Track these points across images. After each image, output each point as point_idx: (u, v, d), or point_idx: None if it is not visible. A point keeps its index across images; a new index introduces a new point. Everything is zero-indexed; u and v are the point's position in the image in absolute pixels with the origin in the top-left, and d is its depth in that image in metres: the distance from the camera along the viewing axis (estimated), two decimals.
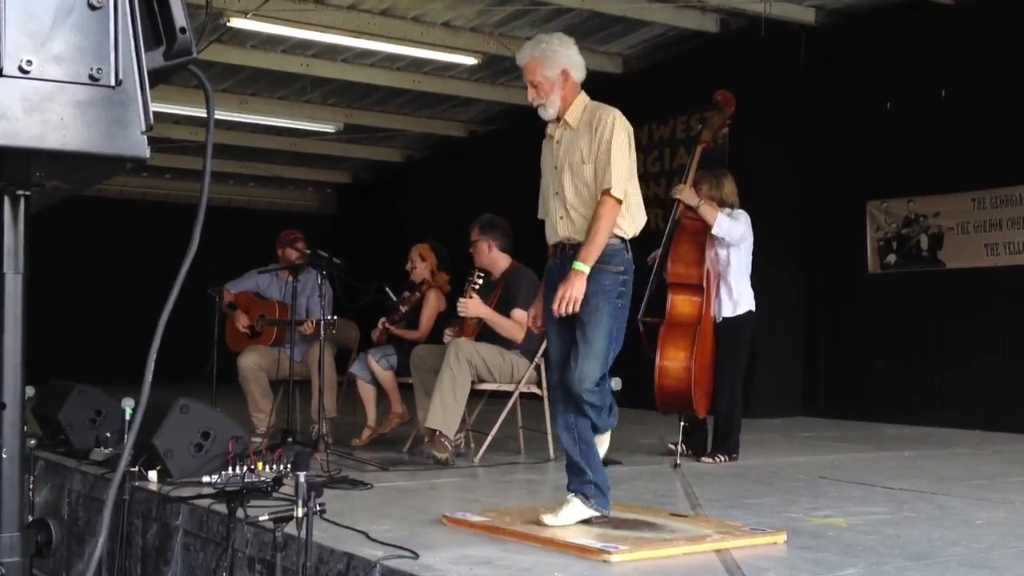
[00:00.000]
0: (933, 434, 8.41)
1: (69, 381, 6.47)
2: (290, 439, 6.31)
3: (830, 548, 3.73)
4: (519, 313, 6.24)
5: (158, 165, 15.13)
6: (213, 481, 4.90)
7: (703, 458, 6.38)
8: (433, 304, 7.11)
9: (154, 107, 1.51)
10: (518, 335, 6.28)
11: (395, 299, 7.22)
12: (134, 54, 1.49)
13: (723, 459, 6.35)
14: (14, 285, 1.60)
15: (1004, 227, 8.69)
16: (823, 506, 4.75)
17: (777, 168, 10.08)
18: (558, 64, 4.12)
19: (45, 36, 1.43)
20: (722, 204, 6.45)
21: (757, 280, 6.64)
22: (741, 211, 6.49)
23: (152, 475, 4.97)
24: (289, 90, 12.64)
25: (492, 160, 13.49)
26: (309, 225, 10.61)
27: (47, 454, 6.08)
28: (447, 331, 6.53)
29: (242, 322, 7.48)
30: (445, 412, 5.92)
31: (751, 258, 6.54)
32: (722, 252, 6.42)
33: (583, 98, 4.18)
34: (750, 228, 6.46)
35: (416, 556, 3.41)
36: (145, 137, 1.49)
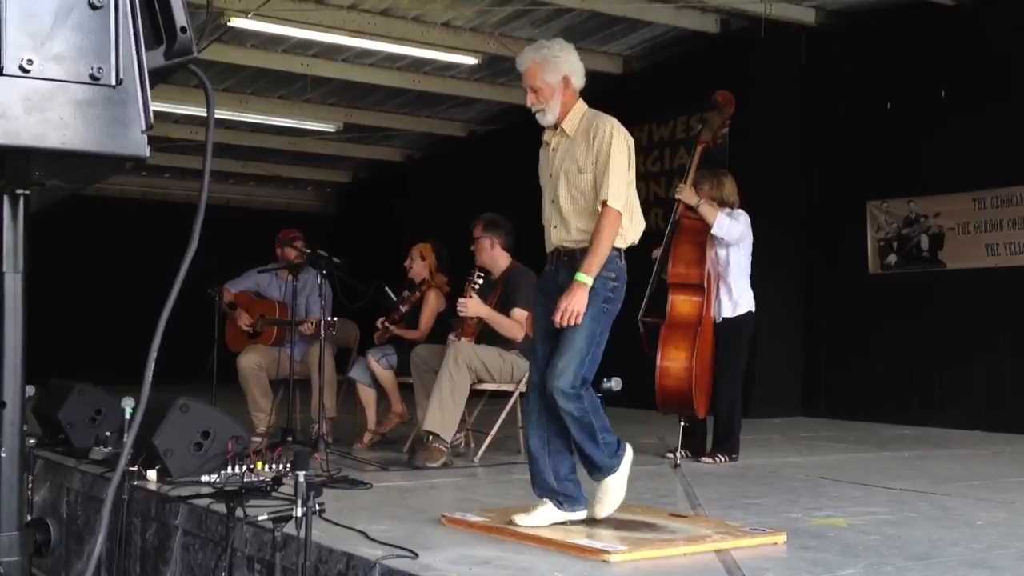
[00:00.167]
0: (933, 434, 8.41)
1: (69, 380, 6.47)
2: (290, 439, 6.30)
3: (830, 548, 3.73)
4: (519, 312, 6.24)
5: (158, 164, 15.12)
6: (212, 480, 4.90)
7: (703, 458, 6.38)
8: (433, 304, 7.11)
9: (154, 106, 1.51)
10: (518, 334, 6.29)
11: (395, 299, 7.21)
12: (135, 53, 1.49)
13: (723, 459, 6.35)
14: (14, 284, 1.60)
15: (1005, 227, 8.69)
16: (823, 506, 4.75)
17: (777, 168, 10.08)
18: (560, 70, 4.10)
19: (46, 35, 1.43)
20: (723, 204, 6.45)
21: (757, 280, 6.64)
22: (741, 211, 6.49)
23: (151, 474, 4.96)
24: (289, 90, 12.64)
25: (492, 160, 13.49)
26: (309, 224, 10.60)
27: (47, 453, 6.07)
28: (451, 336, 6.50)
29: (243, 321, 7.48)
30: (443, 415, 5.92)
31: (751, 258, 6.53)
32: (722, 252, 6.42)
33: (581, 106, 4.16)
34: (749, 228, 6.46)
35: (415, 556, 3.41)
36: (145, 136, 1.49)
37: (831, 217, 10.09)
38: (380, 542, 3.58)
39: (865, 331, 9.80)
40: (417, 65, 11.63)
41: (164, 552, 4.60)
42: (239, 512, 3.95)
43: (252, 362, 7.18)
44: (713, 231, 6.27)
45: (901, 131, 9.40)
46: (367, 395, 6.96)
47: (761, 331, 7.49)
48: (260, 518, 3.61)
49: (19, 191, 1.59)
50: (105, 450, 5.65)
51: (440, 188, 14.70)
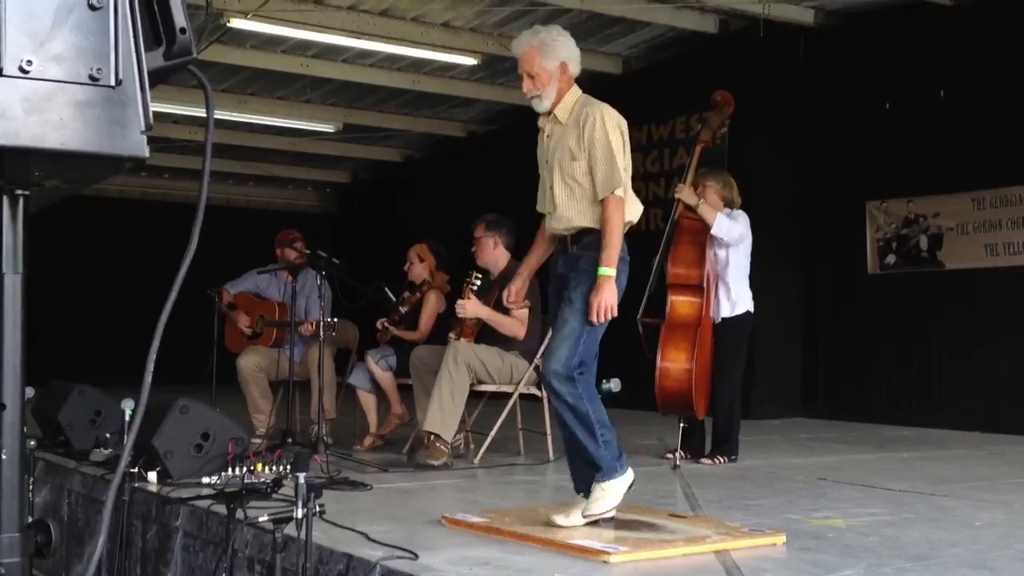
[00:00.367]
0: (932, 435, 8.41)
1: (69, 382, 6.47)
2: (289, 440, 6.30)
3: (829, 549, 3.73)
4: (518, 310, 6.23)
5: (157, 165, 15.12)
6: (213, 482, 4.89)
7: (702, 459, 6.38)
8: (433, 305, 7.11)
9: (154, 107, 1.51)
10: (519, 331, 6.28)
11: (394, 300, 7.21)
12: (134, 54, 1.49)
13: (722, 460, 6.34)
14: (13, 285, 1.60)
15: (1004, 227, 8.69)
16: (822, 507, 4.75)
17: (776, 168, 10.08)
18: (557, 55, 4.09)
19: (45, 36, 1.43)
20: (730, 204, 6.46)
21: (756, 281, 6.64)
22: (740, 211, 6.49)
23: (152, 476, 4.96)
24: (289, 90, 12.64)
25: (491, 160, 13.49)
26: (308, 225, 10.62)
27: (47, 455, 6.07)
28: (451, 335, 6.50)
29: (242, 323, 7.48)
30: (443, 415, 5.91)
31: (750, 259, 6.53)
32: (721, 253, 6.42)
33: (575, 92, 4.15)
34: (749, 229, 6.45)
35: (416, 557, 3.41)
36: (144, 137, 1.49)
37: (830, 217, 10.09)
38: (380, 543, 3.58)
39: (864, 331, 9.80)
40: (417, 65, 11.63)
41: (165, 554, 4.60)
42: (239, 514, 3.95)
43: (252, 363, 7.18)
44: (712, 232, 6.27)
45: (900, 131, 9.40)
46: (367, 400, 6.95)
47: (760, 331, 7.49)
48: (260, 519, 3.61)
49: (18, 191, 1.59)
50: (105, 452, 5.64)
51: (440, 188, 14.70)
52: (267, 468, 5.20)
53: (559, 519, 3.93)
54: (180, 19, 1.57)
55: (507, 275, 6.46)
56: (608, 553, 3.47)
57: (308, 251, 6.88)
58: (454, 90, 12.36)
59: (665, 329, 6.25)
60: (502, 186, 11.40)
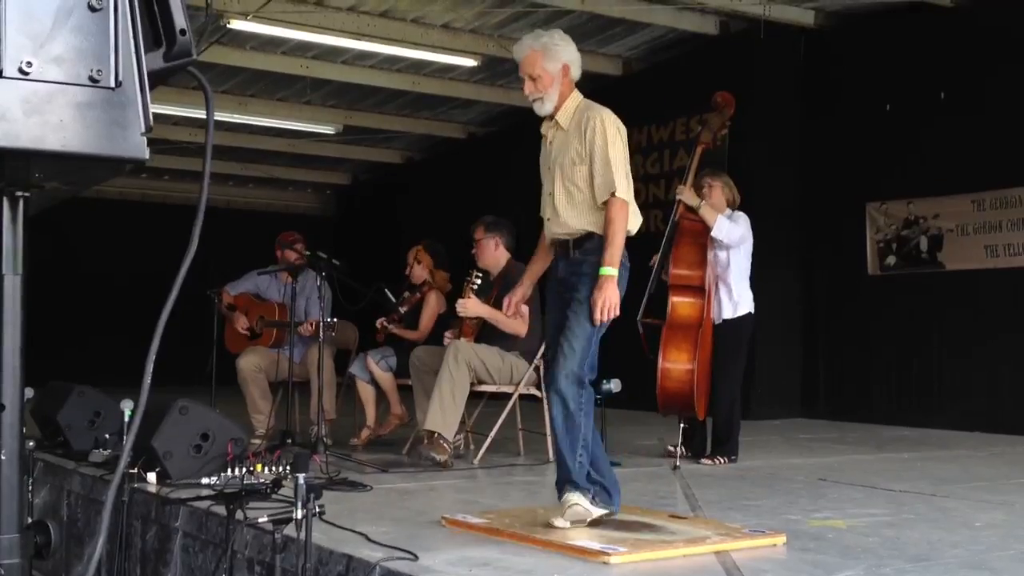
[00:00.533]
0: (933, 436, 8.40)
1: (68, 382, 6.47)
2: (289, 441, 6.30)
3: (829, 550, 3.73)
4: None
5: (157, 167, 15.13)
6: (212, 483, 4.89)
7: (702, 460, 6.38)
8: (433, 305, 7.12)
9: (154, 108, 1.51)
10: (521, 329, 6.27)
11: (394, 300, 7.22)
12: (134, 56, 1.49)
13: (722, 461, 6.34)
14: (13, 286, 1.60)
15: (1004, 229, 8.69)
16: (822, 508, 4.75)
17: (776, 170, 10.08)
18: (559, 58, 4.11)
19: (45, 38, 1.43)
20: (733, 205, 6.47)
21: (756, 282, 6.64)
22: (741, 213, 6.49)
23: (151, 477, 4.96)
24: (289, 92, 12.64)
25: (491, 161, 13.50)
26: (308, 226, 10.61)
27: (46, 455, 6.07)
28: (447, 334, 6.52)
29: (242, 323, 7.48)
30: (444, 414, 5.91)
31: (751, 260, 6.53)
32: (722, 254, 6.42)
33: (576, 97, 4.17)
34: (750, 230, 6.45)
35: (415, 558, 3.41)
36: (144, 138, 1.49)
37: (830, 218, 10.10)
38: (380, 544, 3.58)
39: (864, 332, 9.80)
40: (417, 67, 11.63)
41: (164, 554, 4.60)
42: (239, 514, 3.95)
43: (251, 364, 7.18)
44: (713, 234, 6.27)
45: (900, 132, 9.41)
46: (366, 391, 6.96)
47: (760, 332, 7.49)
48: (260, 520, 3.61)
49: (18, 193, 1.60)
50: (105, 452, 5.64)
51: (440, 190, 14.70)
52: (267, 469, 5.21)
53: (558, 521, 3.93)
54: (180, 20, 1.57)
55: (507, 274, 6.47)
56: (608, 554, 3.47)
57: (308, 252, 6.88)
58: (454, 91, 12.36)
59: (666, 330, 6.25)
60: (502, 187, 11.43)
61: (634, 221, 4.09)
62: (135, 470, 4.94)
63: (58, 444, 6.20)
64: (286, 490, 3.91)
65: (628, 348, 5.79)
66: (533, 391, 6.44)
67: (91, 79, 1.46)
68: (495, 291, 6.47)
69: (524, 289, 4.54)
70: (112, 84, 1.47)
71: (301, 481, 3.24)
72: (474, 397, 6.32)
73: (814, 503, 4.90)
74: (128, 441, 1.71)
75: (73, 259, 14.54)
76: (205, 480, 4.95)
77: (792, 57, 10.26)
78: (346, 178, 17.67)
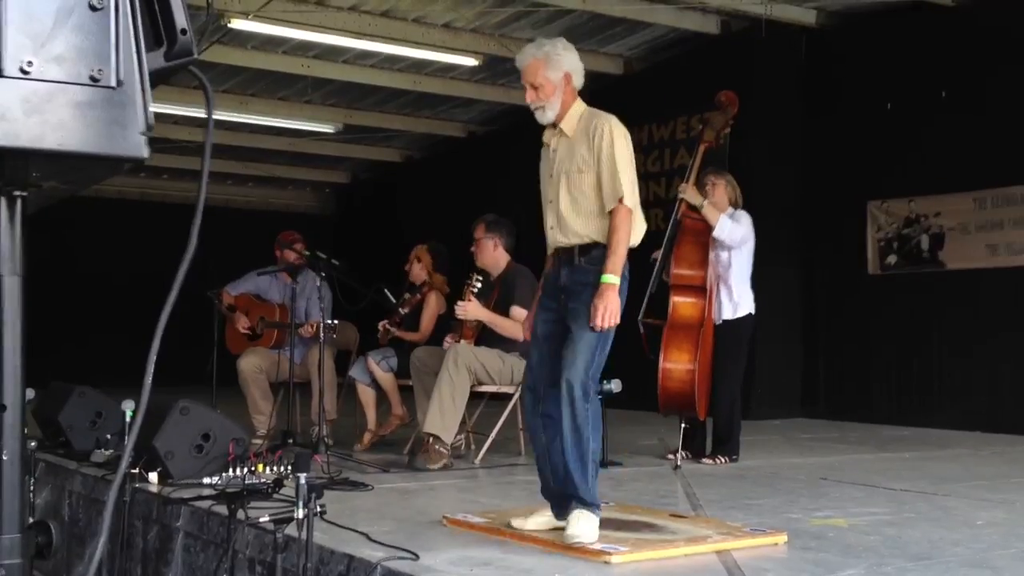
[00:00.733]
0: (933, 435, 8.40)
1: (69, 383, 6.47)
2: (290, 441, 6.30)
3: (831, 549, 3.73)
4: (518, 311, 6.23)
5: (157, 166, 15.12)
6: (213, 483, 4.89)
7: (703, 459, 6.37)
8: (433, 306, 7.11)
9: (154, 107, 1.51)
10: (519, 333, 6.26)
11: (394, 301, 7.21)
12: (135, 55, 1.49)
13: (723, 460, 6.34)
14: (12, 287, 1.60)
15: (1005, 227, 8.69)
16: (823, 507, 4.75)
17: (777, 169, 10.08)
18: (561, 67, 4.08)
19: (46, 37, 1.43)
20: (735, 204, 6.47)
21: (757, 280, 6.63)
22: (743, 212, 6.48)
23: (153, 477, 4.96)
24: (289, 91, 12.64)
25: (491, 161, 13.49)
26: (308, 226, 10.62)
27: (47, 456, 6.07)
28: (447, 339, 6.50)
29: (242, 324, 7.48)
30: (443, 417, 5.91)
31: (752, 260, 6.52)
32: (723, 254, 6.41)
33: (580, 105, 4.13)
34: (752, 230, 6.45)
35: (416, 557, 3.41)
36: (144, 138, 1.49)
37: (831, 217, 10.09)
38: (381, 543, 3.58)
39: (865, 331, 9.80)
40: (417, 66, 11.63)
41: (166, 554, 4.60)
42: (240, 514, 3.95)
43: (252, 364, 7.18)
44: (715, 234, 6.26)
45: (901, 131, 9.40)
46: (367, 395, 6.96)
47: (760, 332, 7.48)
48: (261, 520, 3.61)
49: (17, 193, 1.59)
50: (106, 452, 5.65)
51: (440, 189, 14.70)
52: (268, 469, 5.20)
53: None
54: (181, 20, 1.57)
55: (507, 277, 6.47)
56: (609, 553, 3.47)
57: (308, 252, 6.88)
58: (455, 91, 12.36)
59: (667, 330, 6.24)
60: (502, 186, 11.41)
61: (638, 232, 4.03)
62: (136, 470, 4.95)
63: (59, 444, 6.20)
64: (287, 490, 3.91)
65: (629, 348, 5.78)
66: None
67: (92, 78, 1.45)
68: (496, 293, 6.47)
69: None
70: (113, 83, 1.47)
71: (302, 481, 3.24)
72: (475, 397, 6.32)
73: (815, 502, 4.90)
74: (129, 441, 1.71)
75: (72, 259, 14.54)
76: (206, 480, 4.95)
77: (793, 56, 10.25)
78: (346, 177, 17.67)
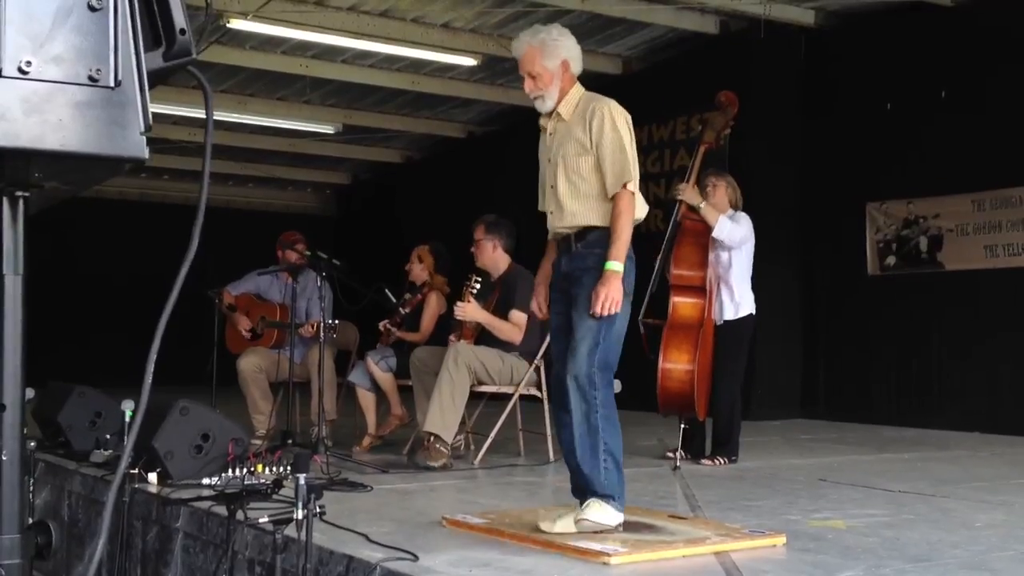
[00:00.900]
0: (932, 436, 8.41)
1: (69, 383, 6.46)
2: (290, 441, 6.30)
3: (829, 550, 3.73)
4: (517, 315, 6.23)
5: (157, 166, 15.13)
6: (213, 483, 4.89)
7: (702, 460, 6.37)
8: (434, 306, 7.11)
9: (153, 108, 1.51)
10: (516, 337, 6.28)
11: (394, 301, 7.22)
12: (134, 55, 1.49)
13: (722, 461, 6.34)
14: (13, 286, 1.60)
15: (1004, 229, 8.69)
16: (822, 508, 4.75)
17: (776, 169, 10.08)
18: (558, 55, 4.04)
19: (45, 37, 1.43)
20: (736, 206, 6.47)
21: (756, 281, 6.63)
22: (743, 214, 6.48)
23: (152, 477, 4.96)
24: (288, 91, 12.64)
25: (491, 161, 13.50)
26: (308, 226, 10.60)
27: (47, 456, 6.07)
28: (452, 337, 6.50)
29: (243, 324, 7.48)
30: (444, 416, 5.91)
31: (752, 261, 6.52)
32: (723, 254, 6.41)
33: (578, 90, 4.09)
34: (752, 231, 6.45)
35: (416, 558, 3.41)
36: (144, 138, 1.49)
37: (830, 218, 10.10)
38: (380, 544, 3.58)
39: (864, 332, 9.80)
40: (416, 66, 11.63)
41: (165, 555, 4.60)
42: (240, 515, 3.95)
43: (252, 364, 7.18)
44: (714, 234, 6.26)
45: (900, 132, 9.41)
46: (367, 399, 6.95)
47: (760, 332, 7.48)
48: (261, 521, 3.61)
49: (18, 193, 1.59)
50: (105, 453, 5.64)
51: (439, 189, 14.71)
52: (267, 469, 5.21)
53: (544, 525, 3.84)
54: (180, 20, 1.57)
55: (507, 279, 6.47)
56: (608, 555, 3.47)
57: (309, 253, 6.88)
58: (454, 91, 12.36)
59: (667, 330, 6.24)
60: (501, 187, 11.42)
61: (641, 209, 4.00)
62: (136, 470, 4.94)
63: (59, 445, 6.20)
64: (287, 490, 3.91)
65: (629, 348, 5.76)
66: (533, 392, 6.44)
67: (90, 78, 1.45)
68: (496, 295, 6.47)
69: (544, 291, 4.32)
70: (111, 83, 1.47)
71: (302, 481, 3.24)
72: (474, 398, 6.32)
73: (814, 503, 4.90)
74: (129, 441, 1.71)
75: (73, 259, 14.54)
76: (206, 480, 4.94)
77: (792, 56, 10.26)
78: (346, 177, 17.68)
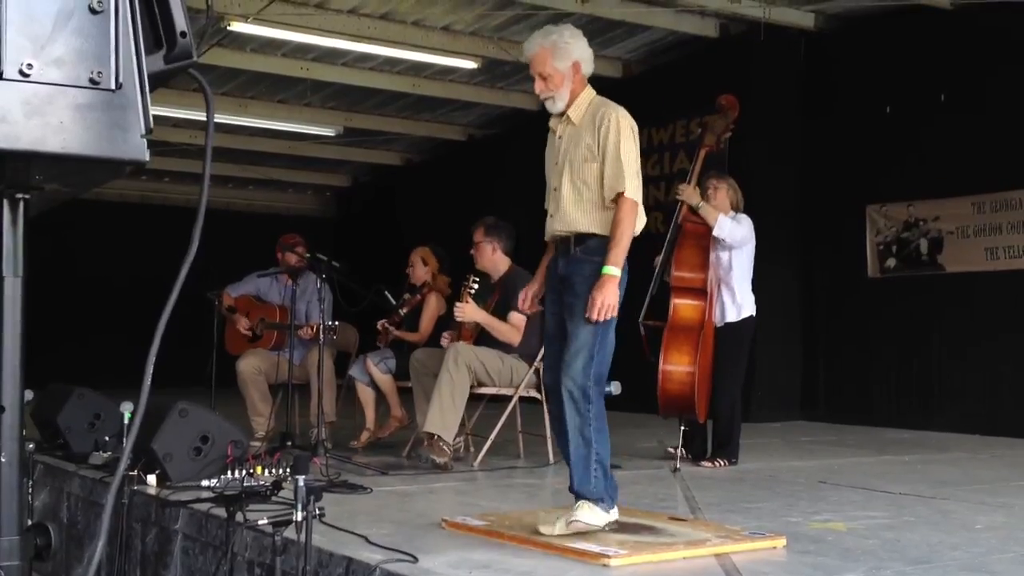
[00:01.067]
0: (932, 438, 8.40)
1: (68, 384, 6.46)
2: (289, 443, 6.30)
3: (829, 552, 3.73)
4: (516, 317, 6.23)
5: (158, 168, 15.14)
6: (212, 485, 4.89)
7: (703, 462, 6.37)
8: (433, 307, 7.12)
9: (154, 110, 1.51)
10: (515, 339, 6.28)
11: (394, 302, 7.22)
12: (134, 58, 1.49)
13: (723, 463, 6.34)
14: (13, 288, 1.60)
15: (1004, 231, 8.70)
16: (822, 510, 4.75)
17: (777, 172, 10.09)
18: (570, 56, 4.04)
19: (46, 40, 1.43)
20: (737, 208, 6.47)
21: (756, 282, 6.63)
22: (744, 215, 6.48)
23: (151, 479, 4.96)
24: (289, 94, 12.65)
25: (491, 163, 13.50)
26: (309, 228, 10.61)
27: (46, 458, 6.07)
28: (444, 336, 6.52)
29: (243, 325, 7.48)
30: (444, 416, 5.91)
31: (753, 262, 6.53)
32: (724, 256, 6.41)
33: (589, 93, 4.10)
34: (752, 232, 6.45)
35: (415, 560, 3.41)
36: (145, 140, 1.49)
37: (830, 221, 10.10)
38: (380, 546, 3.58)
39: (864, 334, 9.80)
40: (417, 69, 11.64)
41: (164, 557, 4.60)
42: (239, 516, 3.95)
43: (251, 366, 7.18)
44: (715, 233, 6.26)
45: (900, 134, 9.41)
46: (366, 394, 6.96)
47: (760, 334, 7.48)
48: (260, 522, 3.61)
49: (19, 195, 1.60)
50: (104, 455, 5.64)
51: (440, 192, 14.71)
52: (266, 471, 5.20)
53: (544, 528, 3.85)
54: (181, 22, 1.57)
55: (507, 281, 6.47)
56: (608, 556, 3.46)
57: (309, 255, 6.88)
58: (454, 94, 12.37)
59: (668, 332, 6.24)
60: (501, 189, 11.43)
61: (639, 223, 4.02)
62: (135, 472, 4.94)
63: (58, 446, 6.20)
64: (286, 492, 3.91)
65: (629, 350, 5.78)
66: (533, 393, 6.44)
67: (91, 81, 1.46)
68: (496, 296, 6.47)
69: (538, 285, 4.35)
70: (112, 86, 1.47)
71: (301, 483, 3.24)
72: (474, 399, 6.32)
73: (814, 505, 4.90)
74: (128, 443, 1.71)
75: (73, 261, 14.54)
76: (205, 482, 4.94)
77: (792, 59, 10.26)
78: (346, 180, 17.68)
